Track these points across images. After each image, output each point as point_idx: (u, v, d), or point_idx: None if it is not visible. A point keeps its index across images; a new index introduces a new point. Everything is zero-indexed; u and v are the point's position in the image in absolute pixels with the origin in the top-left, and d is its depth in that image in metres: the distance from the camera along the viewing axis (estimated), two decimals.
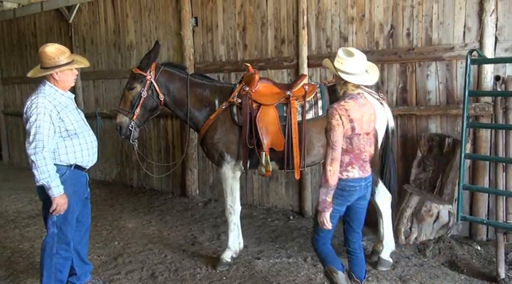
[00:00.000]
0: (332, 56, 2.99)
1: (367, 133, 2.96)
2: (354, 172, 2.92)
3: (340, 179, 2.87)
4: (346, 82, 2.90)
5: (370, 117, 2.96)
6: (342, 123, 2.82)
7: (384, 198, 3.98)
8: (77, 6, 7.88)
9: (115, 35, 7.48)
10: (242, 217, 4.30)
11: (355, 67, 2.86)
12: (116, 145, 7.73)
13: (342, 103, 2.89)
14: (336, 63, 2.88)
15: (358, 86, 2.95)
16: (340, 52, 2.90)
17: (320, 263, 3.35)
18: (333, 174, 2.80)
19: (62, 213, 3.28)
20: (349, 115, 2.83)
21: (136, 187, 7.52)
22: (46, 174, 3.17)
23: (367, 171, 3.01)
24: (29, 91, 9.22)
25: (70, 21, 8.01)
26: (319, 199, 2.83)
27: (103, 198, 6.93)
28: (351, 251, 3.19)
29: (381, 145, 4.00)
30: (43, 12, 8.63)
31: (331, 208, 2.86)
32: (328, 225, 2.87)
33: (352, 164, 2.91)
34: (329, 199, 2.82)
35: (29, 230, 5.47)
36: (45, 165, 3.16)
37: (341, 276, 3.05)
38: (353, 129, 2.85)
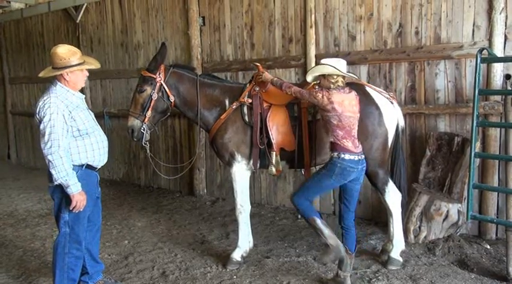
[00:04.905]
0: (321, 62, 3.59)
1: (354, 113, 3.48)
2: (349, 145, 3.45)
3: (342, 159, 3.43)
4: (336, 81, 3.49)
5: (351, 102, 3.47)
6: (321, 96, 3.42)
7: (394, 197, 3.98)
8: (84, 6, 7.92)
9: (122, 34, 7.50)
10: (250, 216, 4.31)
11: (343, 68, 3.54)
12: (123, 144, 7.76)
13: (325, 90, 3.50)
14: (335, 66, 3.45)
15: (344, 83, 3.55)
16: (327, 61, 3.53)
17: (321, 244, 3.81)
18: (290, 88, 3.68)
19: (81, 209, 3.31)
20: (329, 98, 3.40)
21: (144, 186, 7.56)
22: (64, 173, 3.19)
23: (359, 147, 3.53)
24: (36, 91, 9.29)
25: (77, 21, 8.06)
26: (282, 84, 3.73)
27: (111, 197, 6.97)
28: (345, 227, 3.71)
29: (391, 144, 4.01)
30: (50, 12, 8.67)
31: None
32: None
33: (346, 138, 3.45)
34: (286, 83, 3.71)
35: (40, 229, 5.51)
36: (62, 164, 3.18)
37: (319, 221, 3.57)
38: (333, 109, 3.41)
